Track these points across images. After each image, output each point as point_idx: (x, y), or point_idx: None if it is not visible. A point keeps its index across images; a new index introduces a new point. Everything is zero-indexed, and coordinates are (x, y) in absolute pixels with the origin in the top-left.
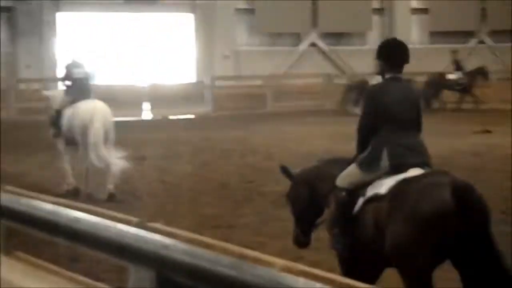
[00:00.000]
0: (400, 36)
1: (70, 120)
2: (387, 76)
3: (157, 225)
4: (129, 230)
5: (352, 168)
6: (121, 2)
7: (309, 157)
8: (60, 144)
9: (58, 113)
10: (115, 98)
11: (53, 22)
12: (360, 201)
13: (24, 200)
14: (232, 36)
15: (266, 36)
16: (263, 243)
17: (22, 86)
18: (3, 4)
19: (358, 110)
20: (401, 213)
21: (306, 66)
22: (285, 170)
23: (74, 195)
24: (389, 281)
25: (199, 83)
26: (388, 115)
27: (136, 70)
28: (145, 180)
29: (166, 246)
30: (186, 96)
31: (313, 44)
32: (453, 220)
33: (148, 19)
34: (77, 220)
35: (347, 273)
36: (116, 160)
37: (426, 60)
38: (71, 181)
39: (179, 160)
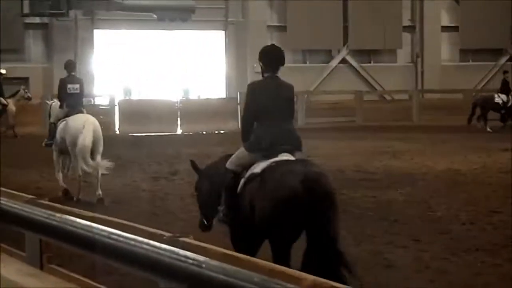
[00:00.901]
0: (430, 54)
1: (63, 132)
2: (266, 75)
3: (189, 241)
4: (161, 245)
5: (239, 152)
6: (154, 20)
7: (339, 173)
8: (54, 154)
9: (53, 125)
10: (148, 113)
11: (89, 39)
12: (242, 181)
13: (59, 216)
14: None
15: (298, 53)
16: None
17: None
18: (40, 20)
19: (482, 125)
20: (264, 192)
21: (337, 82)
22: (193, 165)
23: (67, 199)
24: None
25: (230, 99)
26: (265, 107)
27: (169, 86)
28: (177, 195)
29: (197, 262)
30: (217, 111)
31: (344, 61)
32: (302, 202)
33: (181, 36)
34: (110, 235)
35: (235, 245)
36: (104, 168)
37: (456, 77)
38: (63, 186)
39: None
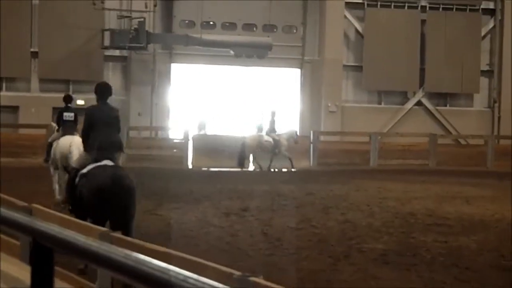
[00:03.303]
0: (507, 99)
1: (55, 150)
2: (100, 102)
3: (259, 280)
4: None
5: (81, 155)
6: (231, 56)
7: (410, 216)
8: (51, 169)
9: (49, 145)
10: (221, 149)
11: (166, 73)
12: (78, 176)
13: (135, 256)
14: (338, 92)
15: (373, 93)
16: None
17: (133, 133)
18: (119, 53)
19: None
20: (86, 186)
21: (411, 124)
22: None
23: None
24: None
25: (303, 137)
26: (97, 124)
27: (243, 121)
28: (247, 232)
29: None
30: (289, 149)
31: (419, 103)
32: (108, 194)
33: (257, 73)
34: (186, 279)
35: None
36: None
37: None
38: (57, 197)
39: (280, 213)
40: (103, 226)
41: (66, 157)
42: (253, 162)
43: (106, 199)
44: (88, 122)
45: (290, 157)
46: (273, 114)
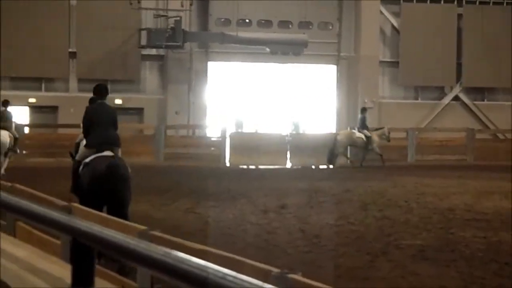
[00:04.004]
0: None
1: None
2: (98, 101)
3: (298, 278)
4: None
5: (83, 149)
6: (267, 53)
7: (449, 212)
8: None
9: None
10: (258, 146)
11: (203, 71)
12: (81, 167)
13: (174, 254)
14: (375, 88)
15: (409, 89)
16: None
17: (171, 132)
18: (156, 52)
19: None
20: (88, 172)
21: (448, 120)
22: (71, 154)
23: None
24: None
25: None
26: (96, 121)
27: (280, 119)
28: (285, 229)
29: None
30: (326, 146)
31: (457, 98)
32: (104, 180)
33: (293, 69)
34: (225, 276)
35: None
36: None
37: None
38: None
39: (318, 210)
40: (100, 211)
41: None
42: (342, 157)
43: (102, 185)
44: (88, 120)
45: (381, 153)
46: (364, 110)
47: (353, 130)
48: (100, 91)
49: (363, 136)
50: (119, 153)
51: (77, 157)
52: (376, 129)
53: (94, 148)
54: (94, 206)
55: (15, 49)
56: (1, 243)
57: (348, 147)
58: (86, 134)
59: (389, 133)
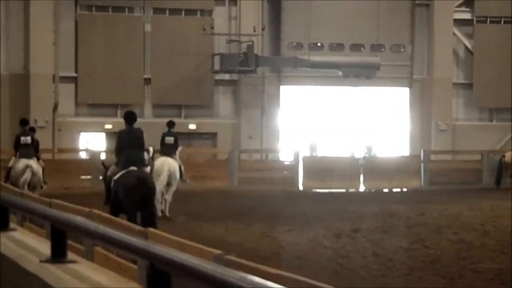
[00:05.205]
0: None
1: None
2: (127, 127)
3: None
4: None
5: (113, 167)
6: (339, 77)
7: None
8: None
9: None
10: (331, 170)
11: (275, 95)
12: (112, 182)
13: (250, 279)
14: (449, 110)
15: (484, 111)
16: None
17: (244, 156)
18: (229, 77)
19: None
20: (120, 185)
21: None
22: (103, 164)
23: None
24: None
25: (413, 156)
26: (126, 143)
27: (353, 142)
28: (359, 253)
29: None
30: (400, 169)
31: None
32: (135, 191)
33: (365, 92)
34: None
35: (112, 215)
36: None
37: None
38: None
39: (392, 233)
40: (135, 217)
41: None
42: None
43: (135, 194)
44: (119, 142)
45: None
46: None
47: None
48: (128, 118)
49: None
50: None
51: (109, 173)
52: None
53: (122, 166)
54: (127, 214)
55: (92, 77)
56: (80, 268)
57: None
58: (116, 154)
59: None
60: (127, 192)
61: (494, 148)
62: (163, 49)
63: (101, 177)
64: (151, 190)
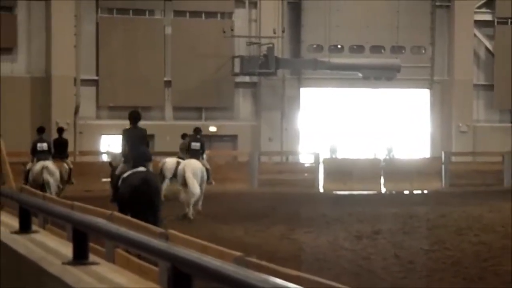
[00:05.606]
0: None
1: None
2: (131, 126)
3: None
4: None
5: (122, 165)
6: (360, 78)
7: None
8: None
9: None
10: (352, 172)
11: (295, 97)
12: (120, 180)
13: (272, 280)
14: (469, 112)
15: (505, 112)
16: None
17: (264, 158)
18: (249, 79)
19: None
20: (126, 185)
21: None
22: (110, 164)
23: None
24: None
25: (434, 158)
26: (131, 141)
27: (373, 144)
28: (379, 255)
29: None
30: (420, 170)
31: None
32: (138, 191)
33: (385, 94)
34: None
35: (121, 212)
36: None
37: None
38: None
39: (413, 235)
40: (138, 217)
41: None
42: None
43: (140, 196)
44: (125, 140)
45: None
46: None
47: None
48: (133, 118)
49: None
50: (150, 167)
51: (117, 172)
52: None
53: (130, 163)
54: (132, 212)
55: (113, 80)
56: (102, 270)
57: None
58: (123, 152)
59: None
60: (132, 192)
61: None
62: (183, 52)
63: (104, 180)
64: (155, 190)
